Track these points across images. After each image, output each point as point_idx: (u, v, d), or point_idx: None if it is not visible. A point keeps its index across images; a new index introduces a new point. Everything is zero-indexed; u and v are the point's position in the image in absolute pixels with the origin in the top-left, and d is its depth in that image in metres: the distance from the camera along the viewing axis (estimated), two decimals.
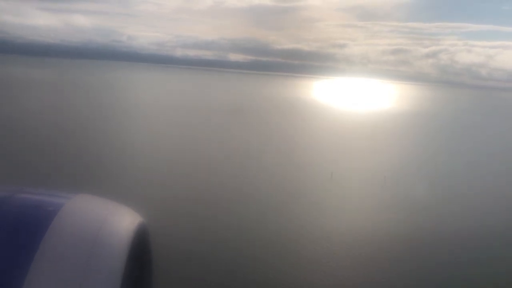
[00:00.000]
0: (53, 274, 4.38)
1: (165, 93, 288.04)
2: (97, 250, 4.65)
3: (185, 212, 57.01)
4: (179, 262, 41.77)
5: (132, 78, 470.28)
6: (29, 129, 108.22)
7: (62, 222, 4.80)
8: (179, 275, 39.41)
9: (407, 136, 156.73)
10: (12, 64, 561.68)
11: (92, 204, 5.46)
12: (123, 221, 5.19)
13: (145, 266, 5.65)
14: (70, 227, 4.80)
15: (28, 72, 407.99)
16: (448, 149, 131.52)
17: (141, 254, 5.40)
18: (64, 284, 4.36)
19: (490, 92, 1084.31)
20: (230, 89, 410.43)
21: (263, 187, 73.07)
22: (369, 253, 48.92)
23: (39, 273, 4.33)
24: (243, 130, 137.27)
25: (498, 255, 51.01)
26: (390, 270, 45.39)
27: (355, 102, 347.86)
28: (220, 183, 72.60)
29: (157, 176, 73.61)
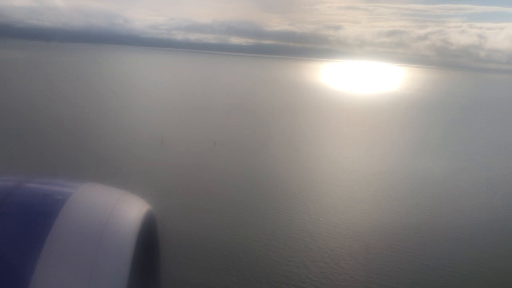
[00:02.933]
0: (62, 262, 4.40)
1: (169, 77, 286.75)
2: (105, 238, 4.67)
3: (192, 199, 56.98)
4: (187, 249, 41.81)
5: (134, 62, 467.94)
6: (31, 116, 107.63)
7: (71, 210, 4.83)
8: (187, 262, 39.54)
9: (418, 120, 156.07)
10: (12, 48, 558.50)
11: (100, 193, 5.49)
12: (131, 209, 5.22)
13: (153, 253, 5.68)
14: (79, 216, 4.83)
15: (28, 56, 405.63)
16: (447, 137, 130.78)
17: (149, 241, 5.41)
18: (74, 272, 4.39)
19: (489, 74, 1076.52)
20: (232, 72, 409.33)
21: (267, 174, 72.42)
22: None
23: (49, 261, 4.35)
24: (250, 115, 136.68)
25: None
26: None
27: (358, 84, 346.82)
28: (227, 170, 72.11)
29: (163, 163, 73.24)
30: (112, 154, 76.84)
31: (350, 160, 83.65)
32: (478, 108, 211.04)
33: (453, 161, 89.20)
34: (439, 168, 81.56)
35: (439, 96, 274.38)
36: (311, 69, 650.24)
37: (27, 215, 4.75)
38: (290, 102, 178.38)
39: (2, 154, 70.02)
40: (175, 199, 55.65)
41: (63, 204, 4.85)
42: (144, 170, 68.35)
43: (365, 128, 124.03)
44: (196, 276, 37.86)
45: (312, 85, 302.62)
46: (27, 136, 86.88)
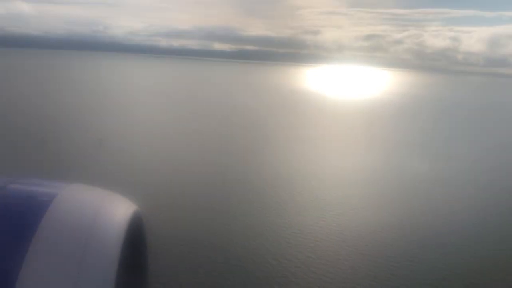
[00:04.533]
0: (48, 264, 4.35)
1: (154, 84, 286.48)
2: (92, 239, 4.64)
3: (179, 200, 58.03)
4: (174, 250, 42.39)
5: (118, 69, 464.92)
6: (18, 121, 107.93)
7: (56, 212, 4.78)
8: (174, 263, 40.05)
9: (408, 122, 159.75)
10: None
11: (86, 194, 5.48)
12: (118, 210, 5.20)
13: (140, 254, 5.74)
14: (64, 217, 4.79)
15: (10, 64, 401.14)
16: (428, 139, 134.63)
17: (136, 242, 5.44)
18: (60, 274, 4.34)
19: (468, 76, 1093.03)
20: (216, 78, 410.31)
21: (256, 177, 73.48)
22: None
23: (34, 263, 4.29)
24: (238, 123, 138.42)
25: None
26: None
27: (343, 89, 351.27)
28: (214, 172, 73.36)
29: (151, 166, 74.49)
30: (97, 155, 78.39)
31: (348, 164, 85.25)
32: (466, 110, 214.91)
33: (451, 163, 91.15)
34: (438, 170, 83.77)
35: (423, 99, 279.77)
36: (293, 74, 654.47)
37: (12, 217, 4.70)
38: (278, 108, 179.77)
39: None
40: (163, 199, 56.79)
41: (48, 205, 4.80)
42: (130, 170, 69.60)
43: (358, 133, 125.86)
44: (183, 277, 38.49)
45: (297, 90, 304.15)
46: (11, 137, 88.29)
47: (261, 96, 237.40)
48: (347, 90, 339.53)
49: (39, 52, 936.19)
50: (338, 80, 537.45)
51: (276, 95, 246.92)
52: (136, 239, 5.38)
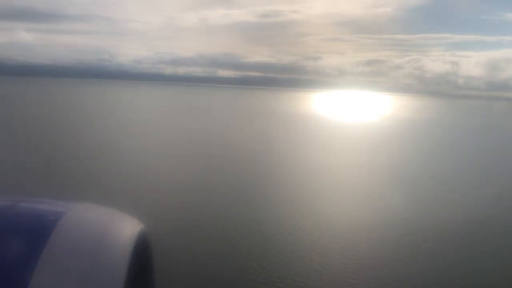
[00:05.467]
0: (56, 282, 4.35)
1: (162, 109, 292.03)
2: (98, 259, 4.66)
3: (185, 218, 58.72)
4: (180, 269, 42.51)
5: (127, 96, 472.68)
6: (27, 142, 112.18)
7: (64, 231, 4.80)
8: (180, 282, 40.34)
9: (415, 143, 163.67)
10: (3, 85, 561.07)
11: (93, 213, 5.56)
12: (124, 229, 5.25)
13: (147, 273, 5.78)
14: (72, 236, 4.82)
15: (20, 92, 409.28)
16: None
17: (142, 261, 5.48)
18: None
19: (469, 101, 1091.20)
20: (222, 104, 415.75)
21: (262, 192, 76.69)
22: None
23: (42, 282, 4.28)
24: (245, 145, 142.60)
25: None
26: None
27: (348, 113, 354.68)
28: (220, 190, 75.44)
29: (158, 187, 75.99)
30: (105, 175, 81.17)
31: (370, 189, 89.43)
32: (477, 134, 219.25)
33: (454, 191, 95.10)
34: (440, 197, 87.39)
35: (426, 123, 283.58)
36: (296, 99, 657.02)
37: (19, 236, 4.71)
38: (288, 133, 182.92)
39: None
40: (169, 219, 56.74)
41: (56, 224, 4.82)
42: (138, 192, 70.83)
43: (367, 156, 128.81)
44: None
45: (300, 115, 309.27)
46: (20, 157, 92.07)
47: (266, 120, 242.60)
48: (351, 115, 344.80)
49: (47, 80, 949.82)
50: (340, 104, 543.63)
51: (280, 120, 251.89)
52: (142, 258, 5.46)
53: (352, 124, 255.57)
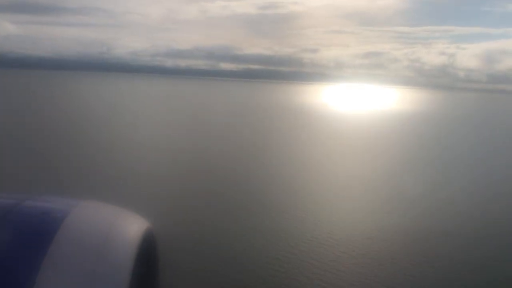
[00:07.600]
0: (60, 281, 4.37)
1: (164, 102, 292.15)
2: (104, 256, 4.68)
3: (192, 216, 57.65)
4: (186, 268, 41.88)
5: (127, 89, 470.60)
6: (32, 137, 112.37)
7: (69, 228, 4.83)
8: (186, 280, 39.78)
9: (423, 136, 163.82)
10: (5, 78, 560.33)
11: (98, 211, 5.58)
12: (130, 227, 5.27)
13: (152, 272, 5.80)
14: (77, 234, 4.84)
15: (21, 85, 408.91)
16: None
17: (148, 260, 5.50)
18: None
19: (470, 93, 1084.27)
20: (225, 97, 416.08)
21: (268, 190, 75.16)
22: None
23: (47, 280, 4.29)
24: (250, 138, 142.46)
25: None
26: None
27: (356, 106, 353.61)
28: (226, 187, 73.76)
29: (163, 183, 74.86)
30: (111, 173, 79.64)
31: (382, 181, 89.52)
32: (471, 127, 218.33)
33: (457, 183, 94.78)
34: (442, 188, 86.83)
35: (427, 116, 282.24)
36: (296, 92, 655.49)
37: (25, 233, 4.75)
38: (295, 127, 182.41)
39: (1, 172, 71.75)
40: (175, 216, 55.49)
41: (61, 222, 4.85)
42: (143, 188, 69.39)
43: (373, 147, 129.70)
44: None
45: (301, 107, 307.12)
46: (25, 155, 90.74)
47: (269, 112, 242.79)
48: (352, 107, 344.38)
49: (48, 73, 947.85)
50: (341, 97, 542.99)
51: (282, 112, 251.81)
52: (148, 256, 5.51)
53: (357, 117, 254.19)
